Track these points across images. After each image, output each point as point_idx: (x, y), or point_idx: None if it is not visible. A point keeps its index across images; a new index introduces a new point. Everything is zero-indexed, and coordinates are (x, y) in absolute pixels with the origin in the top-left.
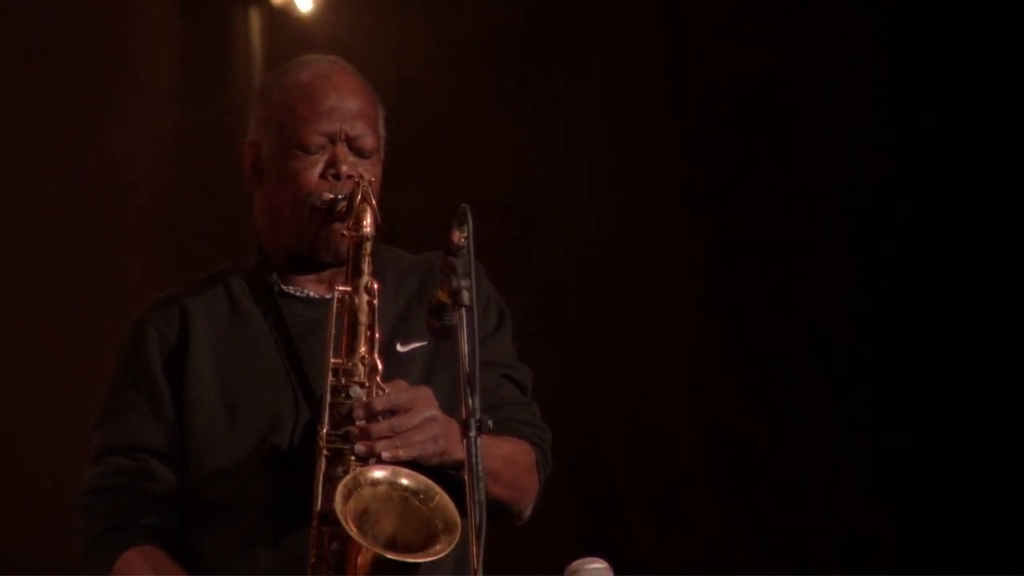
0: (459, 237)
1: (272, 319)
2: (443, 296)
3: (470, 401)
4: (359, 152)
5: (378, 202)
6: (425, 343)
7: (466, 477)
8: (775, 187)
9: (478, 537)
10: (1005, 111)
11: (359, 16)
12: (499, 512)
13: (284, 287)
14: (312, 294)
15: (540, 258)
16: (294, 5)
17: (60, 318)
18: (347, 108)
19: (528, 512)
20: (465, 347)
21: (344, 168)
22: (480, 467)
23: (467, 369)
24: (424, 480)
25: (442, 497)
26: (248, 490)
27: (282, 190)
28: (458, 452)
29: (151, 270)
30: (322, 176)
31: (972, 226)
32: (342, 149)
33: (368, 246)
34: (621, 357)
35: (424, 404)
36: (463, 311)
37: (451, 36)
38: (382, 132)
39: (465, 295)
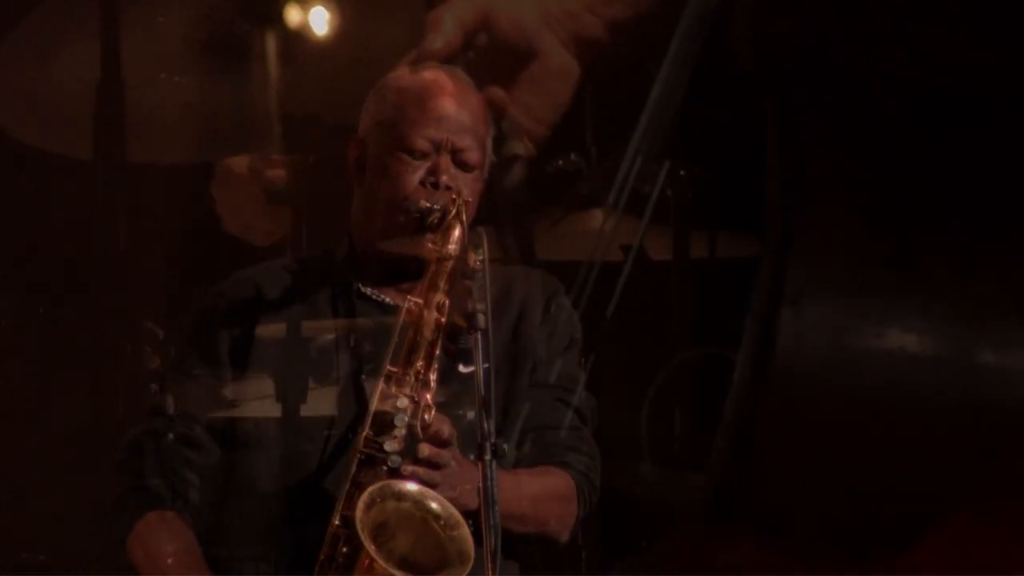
0: (475, 260)
1: (344, 320)
2: (459, 320)
3: (485, 425)
4: (462, 165)
5: (472, 221)
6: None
7: (480, 502)
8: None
9: (493, 562)
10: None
11: (375, 38)
12: (533, 540)
13: (363, 288)
14: (389, 300)
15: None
16: (310, 28)
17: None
18: (457, 118)
19: (565, 538)
20: (481, 370)
21: (444, 178)
22: (495, 492)
23: (482, 393)
24: (450, 508)
25: (463, 529)
26: (286, 490)
27: (381, 188)
28: (472, 503)
29: (173, 287)
30: (421, 183)
31: None
32: (445, 159)
33: (449, 264)
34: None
35: (446, 455)
36: (478, 335)
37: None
38: (489, 151)
39: (480, 319)
